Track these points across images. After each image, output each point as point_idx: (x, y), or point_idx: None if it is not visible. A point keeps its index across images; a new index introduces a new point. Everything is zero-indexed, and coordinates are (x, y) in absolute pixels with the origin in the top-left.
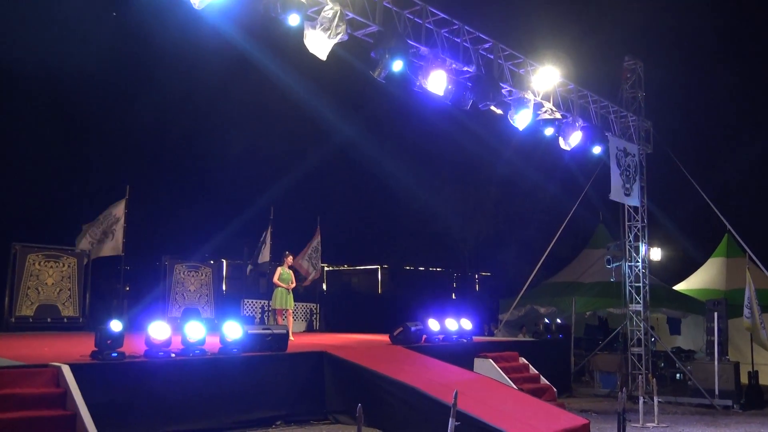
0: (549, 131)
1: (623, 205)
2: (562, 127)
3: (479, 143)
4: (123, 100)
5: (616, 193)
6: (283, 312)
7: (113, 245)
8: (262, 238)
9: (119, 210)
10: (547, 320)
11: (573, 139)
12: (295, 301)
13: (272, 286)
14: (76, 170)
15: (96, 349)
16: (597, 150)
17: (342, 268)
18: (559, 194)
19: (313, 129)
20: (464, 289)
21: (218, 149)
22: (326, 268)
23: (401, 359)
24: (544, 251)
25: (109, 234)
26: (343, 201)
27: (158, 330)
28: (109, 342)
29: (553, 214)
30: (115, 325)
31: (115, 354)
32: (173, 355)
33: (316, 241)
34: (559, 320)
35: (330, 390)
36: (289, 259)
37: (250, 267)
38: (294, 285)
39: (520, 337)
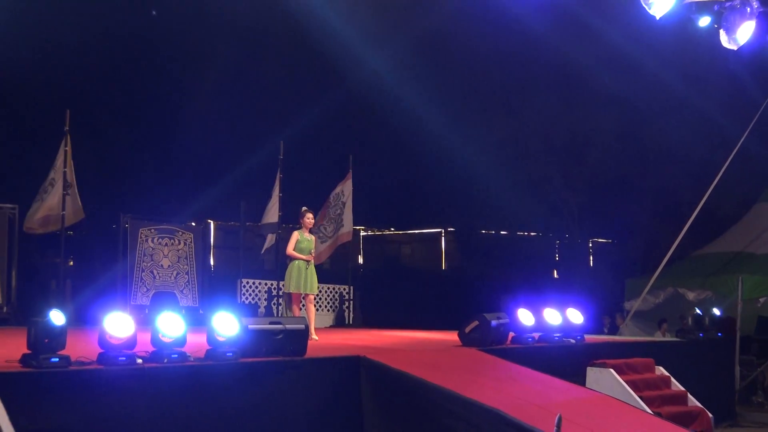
0: (704, 21)
1: None
2: (724, 15)
3: (592, 43)
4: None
5: None
6: (302, 298)
7: (50, 203)
8: (273, 190)
9: (60, 152)
10: (698, 311)
11: (742, 33)
12: (320, 281)
13: (284, 260)
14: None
15: (29, 351)
16: None
17: (387, 233)
18: (718, 119)
19: (344, 36)
20: (571, 263)
21: (199, 66)
22: (363, 233)
23: (476, 368)
24: (694, 207)
25: (48, 188)
26: (387, 135)
27: (117, 324)
28: (47, 341)
29: (709, 150)
30: (56, 317)
31: (56, 359)
32: (140, 360)
33: (341, 190)
34: (717, 311)
35: (370, 412)
36: (309, 219)
37: (267, 245)
38: (313, 258)
39: (658, 336)
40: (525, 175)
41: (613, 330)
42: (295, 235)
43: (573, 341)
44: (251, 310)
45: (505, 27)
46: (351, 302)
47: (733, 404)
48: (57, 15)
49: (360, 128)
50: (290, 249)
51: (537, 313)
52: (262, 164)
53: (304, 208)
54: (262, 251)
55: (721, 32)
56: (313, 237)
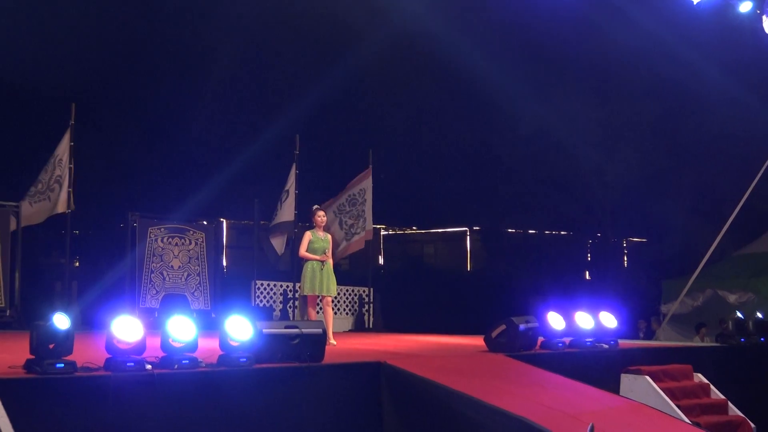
0: (745, 7)
1: None
2: (767, 0)
3: (626, 32)
4: None
5: None
6: (319, 300)
7: (54, 202)
8: (286, 186)
9: (64, 147)
10: (740, 314)
11: None
12: (338, 283)
13: (299, 261)
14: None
15: (33, 356)
16: None
17: (409, 231)
18: (760, 112)
19: (361, 12)
20: (604, 264)
21: (209, 59)
22: (384, 232)
23: (503, 375)
24: (734, 204)
25: (54, 186)
26: (409, 127)
27: (126, 328)
28: (51, 346)
29: (749, 143)
30: (61, 321)
31: (61, 365)
32: (149, 366)
33: (359, 188)
34: (759, 314)
35: (390, 421)
36: (320, 217)
37: (279, 247)
38: (330, 258)
39: (697, 342)
40: (554, 169)
41: (649, 335)
42: (307, 236)
43: (606, 346)
44: (266, 313)
45: (533, 15)
46: (371, 305)
47: None
48: (60, 10)
49: (380, 121)
50: (302, 250)
51: (568, 317)
52: (277, 160)
53: (315, 207)
54: (280, 254)
55: (764, 18)
56: (328, 236)
